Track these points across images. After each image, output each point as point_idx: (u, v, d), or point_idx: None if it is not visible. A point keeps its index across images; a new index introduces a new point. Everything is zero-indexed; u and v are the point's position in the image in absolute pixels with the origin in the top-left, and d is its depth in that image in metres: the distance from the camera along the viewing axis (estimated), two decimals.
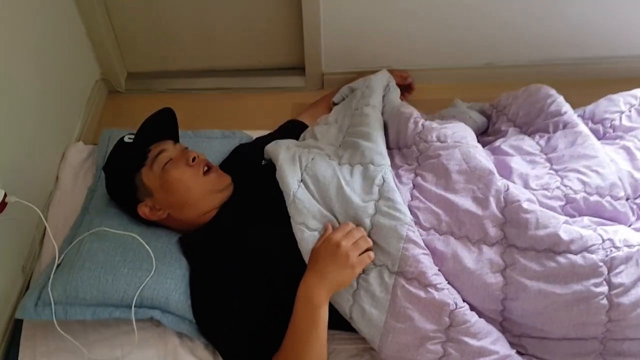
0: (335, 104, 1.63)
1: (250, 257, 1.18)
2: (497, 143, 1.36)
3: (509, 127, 1.44)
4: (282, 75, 1.93)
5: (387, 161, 1.21)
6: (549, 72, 1.86)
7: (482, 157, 1.17)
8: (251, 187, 1.32)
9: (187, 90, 1.94)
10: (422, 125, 1.27)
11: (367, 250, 1.09)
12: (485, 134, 1.55)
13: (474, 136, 1.28)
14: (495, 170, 1.15)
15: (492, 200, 1.11)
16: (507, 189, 1.12)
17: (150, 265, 1.22)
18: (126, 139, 1.34)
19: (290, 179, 1.20)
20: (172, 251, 1.27)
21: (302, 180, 1.21)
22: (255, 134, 1.64)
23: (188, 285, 1.22)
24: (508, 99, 1.49)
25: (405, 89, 1.77)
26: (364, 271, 1.10)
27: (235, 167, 1.42)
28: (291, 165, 1.24)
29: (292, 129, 1.58)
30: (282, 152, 1.29)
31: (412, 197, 1.17)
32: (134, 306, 1.18)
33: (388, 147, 1.32)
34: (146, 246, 1.23)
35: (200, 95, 1.94)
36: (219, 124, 1.72)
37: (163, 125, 1.37)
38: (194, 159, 1.29)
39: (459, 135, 1.22)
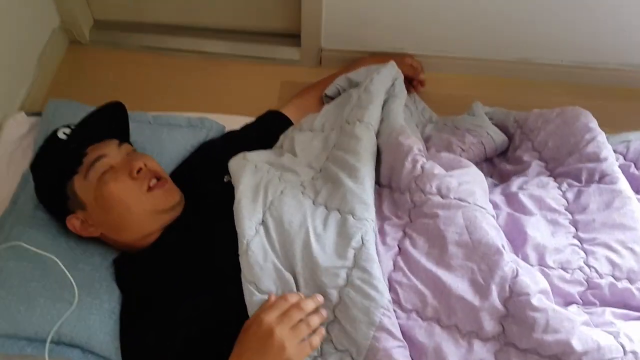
0: (327, 98, 1.35)
1: (194, 298, 0.96)
2: (514, 187, 1.10)
3: (533, 158, 1.19)
4: (273, 43, 1.63)
5: (372, 215, 0.96)
6: (590, 75, 1.55)
7: (491, 226, 0.92)
8: (207, 208, 1.08)
9: (161, 49, 1.65)
10: (422, 167, 1.00)
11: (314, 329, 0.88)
12: (504, 157, 1.29)
13: (486, 189, 1.03)
14: (504, 248, 0.90)
15: (494, 288, 0.88)
16: (516, 276, 0.88)
17: (73, 296, 1.01)
18: (60, 134, 1.09)
19: (248, 221, 0.96)
20: (103, 277, 1.06)
21: (262, 222, 0.98)
22: (230, 121, 1.37)
23: (117, 323, 1.02)
24: (537, 121, 1.22)
25: (414, 82, 1.49)
26: (321, 353, 0.89)
27: (193, 176, 1.17)
28: (252, 202, 0.99)
29: (272, 124, 1.31)
30: (246, 176, 1.04)
31: (395, 266, 0.93)
32: (50, 342, 0.98)
33: (377, 182, 1.06)
34: (67, 274, 1.01)
35: (175, 57, 1.65)
36: (189, 101, 1.46)
37: (109, 123, 1.12)
38: (139, 170, 1.04)
39: (465, 191, 0.96)
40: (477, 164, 1.28)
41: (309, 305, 0.88)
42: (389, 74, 1.29)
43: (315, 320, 0.87)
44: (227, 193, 1.06)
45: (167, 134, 1.28)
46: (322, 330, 0.89)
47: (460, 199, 0.95)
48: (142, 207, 1.04)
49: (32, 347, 0.99)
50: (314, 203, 1.00)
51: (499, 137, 1.27)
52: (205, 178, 1.15)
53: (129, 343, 0.99)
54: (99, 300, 1.02)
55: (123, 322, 1.02)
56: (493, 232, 0.91)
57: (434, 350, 0.87)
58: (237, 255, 0.96)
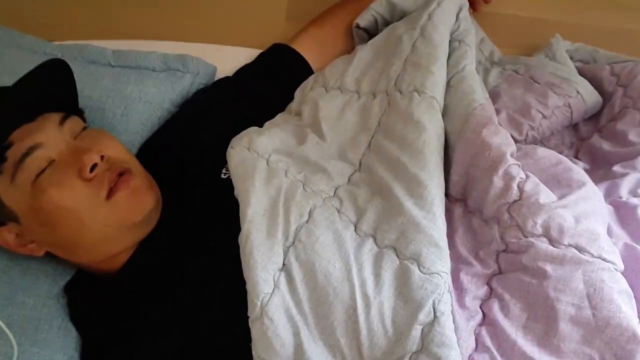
0: (360, 31, 0.96)
1: (179, 342, 0.68)
2: (625, 190, 0.79)
3: None
4: None
5: (446, 265, 0.65)
6: None
7: (623, 296, 0.62)
8: (198, 214, 0.76)
9: None
10: (520, 189, 0.67)
11: None
12: (593, 124, 0.96)
13: (607, 219, 0.70)
14: None
15: None
16: None
17: (11, 347, 0.72)
18: None
19: (262, 270, 0.64)
20: (53, 313, 0.77)
21: (283, 266, 0.66)
22: (222, 56, 0.99)
23: None
24: None
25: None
26: None
27: (176, 160, 0.83)
28: (267, 237, 0.67)
29: (280, 69, 0.94)
30: (256, 189, 0.70)
31: (479, 344, 0.64)
32: None
33: (446, 193, 0.73)
34: (2, 325, 0.71)
35: None
36: (162, 23, 1.04)
37: (44, 92, 0.75)
38: (93, 167, 0.70)
39: (586, 233, 0.64)
40: (555, 134, 0.96)
41: None
42: (453, 4, 0.89)
43: None
44: (227, 193, 0.74)
45: (135, 85, 0.90)
46: None
47: (579, 248, 0.63)
48: (101, 222, 0.71)
49: None
50: (357, 230, 0.68)
51: (592, 97, 0.93)
52: (193, 167, 0.80)
53: None
54: (47, 350, 0.74)
55: None
56: (627, 307, 0.61)
57: None
58: (241, 304, 0.66)
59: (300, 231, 0.67)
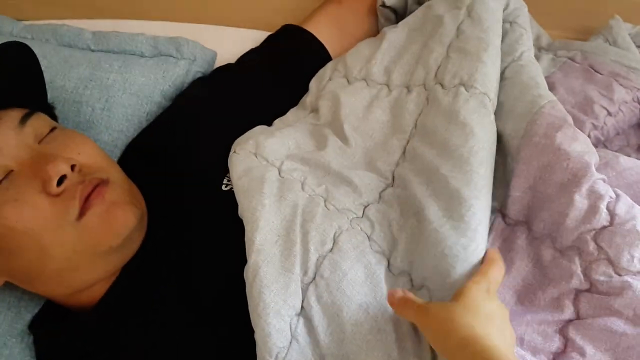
0: (387, 10, 0.81)
1: None
2: None
3: None
4: None
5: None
6: None
7: None
8: (194, 228, 0.62)
9: None
10: (611, 213, 0.52)
11: None
12: None
13: None
14: None
15: None
16: None
17: None
18: None
19: (275, 317, 0.50)
20: (14, 355, 0.63)
21: (302, 310, 0.51)
22: (223, 39, 0.85)
23: None
24: None
25: None
26: None
27: (167, 168, 0.68)
28: (280, 272, 0.52)
29: (292, 55, 0.78)
30: (266, 208, 0.55)
31: None
32: None
33: (499, 210, 0.59)
34: None
35: None
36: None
37: (2, 83, 0.60)
38: (61, 180, 0.55)
39: None
40: (620, 134, 0.81)
41: None
42: None
43: None
44: (229, 209, 0.59)
45: (119, 74, 0.75)
46: None
47: None
48: (69, 249, 0.57)
49: None
50: (390, 268, 0.54)
51: None
52: (189, 176, 0.65)
53: None
54: None
55: None
56: None
57: None
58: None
59: (322, 264, 0.52)
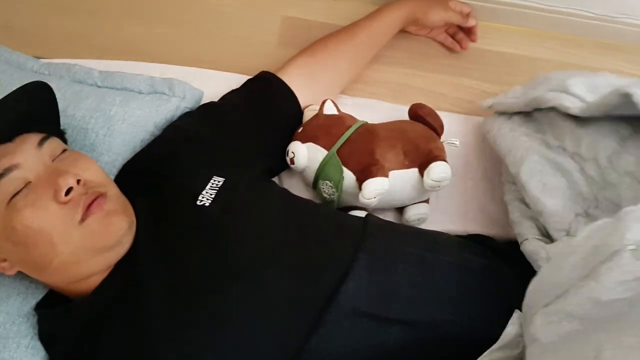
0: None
1: None
2: None
3: None
4: None
5: None
6: None
7: None
8: (172, 235, 0.77)
9: None
10: None
11: None
12: None
13: None
14: None
15: None
16: None
17: None
18: None
19: None
20: (22, 332, 0.77)
21: None
22: (210, 81, 1.01)
23: None
24: None
25: (463, 33, 1.12)
26: None
27: (154, 184, 0.83)
28: None
29: (261, 100, 0.95)
30: None
31: None
32: None
33: None
34: None
35: None
36: (149, 45, 1.04)
37: (27, 113, 0.76)
38: (69, 191, 0.70)
39: None
40: None
41: None
42: None
43: None
44: (203, 221, 0.75)
45: (120, 107, 0.91)
46: None
47: None
48: (73, 245, 0.71)
49: None
50: None
51: None
52: (171, 191, 0.81)
53: None
54: None
55: None
56: None
57: None
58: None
59: None
